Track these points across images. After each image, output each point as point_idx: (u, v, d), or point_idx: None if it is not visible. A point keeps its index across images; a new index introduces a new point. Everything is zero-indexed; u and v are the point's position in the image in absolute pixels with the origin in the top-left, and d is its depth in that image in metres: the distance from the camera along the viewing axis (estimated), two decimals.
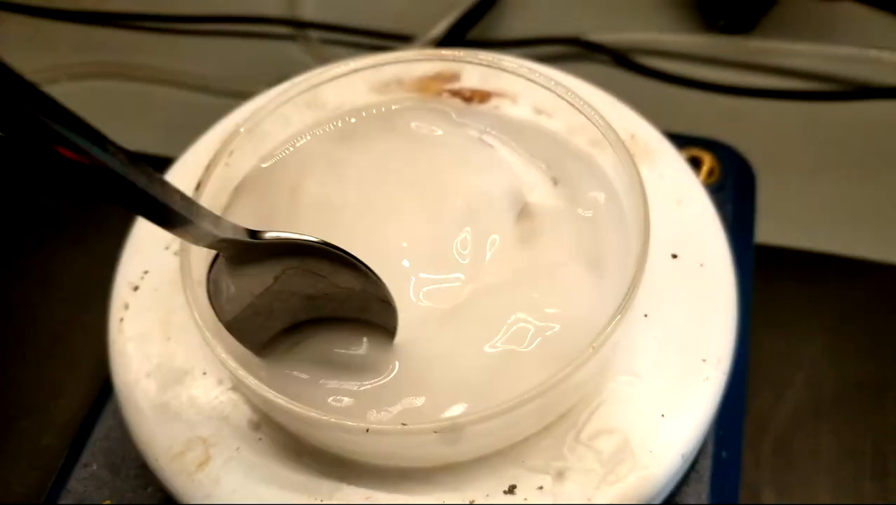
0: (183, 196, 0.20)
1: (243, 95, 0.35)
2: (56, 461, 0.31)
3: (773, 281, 0.41)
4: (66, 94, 0.53)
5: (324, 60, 0.52)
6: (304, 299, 0.24)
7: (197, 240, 0.21)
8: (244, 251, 0.22)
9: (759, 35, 0.51)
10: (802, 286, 0.41)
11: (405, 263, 0.26)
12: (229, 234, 0.21)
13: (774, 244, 0.42)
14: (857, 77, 0.49)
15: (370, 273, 0.23)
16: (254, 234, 0.22)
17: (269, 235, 0.22)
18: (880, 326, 0.40)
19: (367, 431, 0.21)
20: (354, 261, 0.23)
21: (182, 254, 0.24)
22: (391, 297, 0.24)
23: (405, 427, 0.21)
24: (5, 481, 0.37)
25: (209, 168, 0.26)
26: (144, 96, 0.53)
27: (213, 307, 0.22)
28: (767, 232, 0.41)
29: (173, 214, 0.19)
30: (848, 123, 0.48)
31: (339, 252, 0.23)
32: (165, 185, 0.19)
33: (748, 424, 0.37)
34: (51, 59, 0.54)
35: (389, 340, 0.24)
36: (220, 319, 0.23)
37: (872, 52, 0.47)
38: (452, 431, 0.21)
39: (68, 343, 0.41)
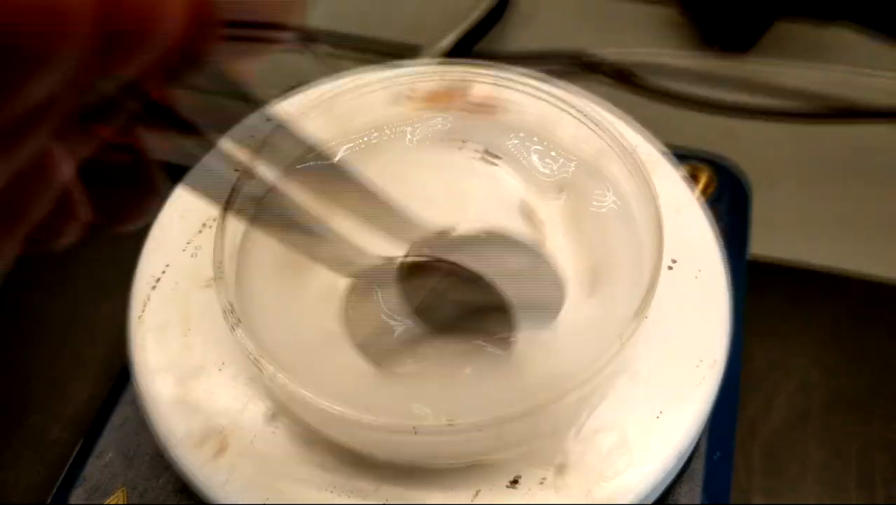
0: None
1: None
2: (64, 454, 0.32)
3: (766, 294, 0.42)
4: None
5: (331, 70, 0.54)
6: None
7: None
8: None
9: (756, 55, 0.53)
10: (795, 299, 0.42)
11: None
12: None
13: (768, 258, 0.43)
14: (849, 98, 0.51)
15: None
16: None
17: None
18: (869, 338, 0.41)
19: (415, 431, 0.22)
20: None
21: (216, 246, 0.25)
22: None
23: (453, 425, 0.22)
24: (13, 474, 0.38)
25: (237, 186, 0.27)
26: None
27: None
28: (761, 246, 0.43)
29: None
30: (840, 143, 0.49)
31: None
32: None
33: (739, 431, 0.38)
34: None
35: None
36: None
37: (865, 75, 0.49)
38: (496, 426, 0.22)
39: (77, 338, 0.42)
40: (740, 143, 0.50)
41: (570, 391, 0.22)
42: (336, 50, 0.56)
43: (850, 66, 0.50)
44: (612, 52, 0.52)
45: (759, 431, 0.39)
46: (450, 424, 0.21)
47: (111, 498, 0.29)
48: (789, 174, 0.49)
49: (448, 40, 0.51)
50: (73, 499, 0.29)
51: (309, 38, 0.56)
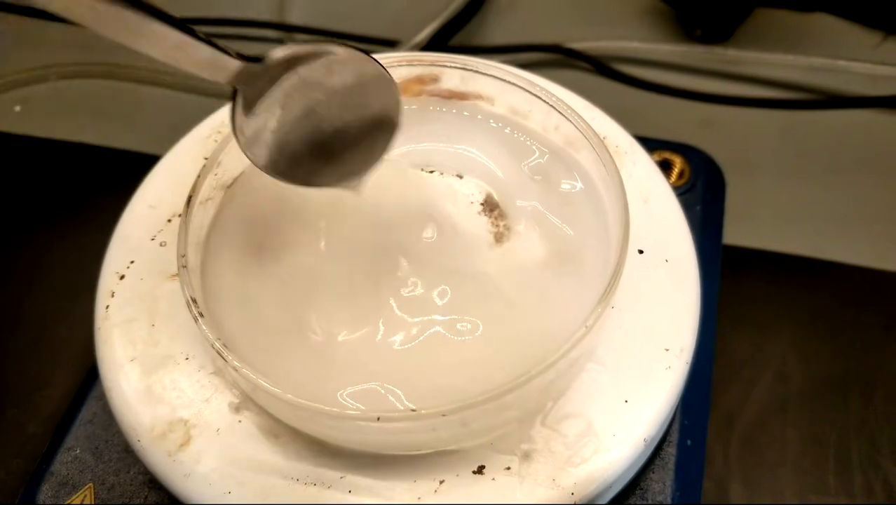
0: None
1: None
2: (41, 449, 0.32)
3: (743, 281, 0.42)
4: (56, 92, 0.54)
5: None
6: (310, 114, 0.25)
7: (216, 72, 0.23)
8: (254, 80, 0.24)
9: (734, 45, 0.53)
10: (771, 287, 0.42)
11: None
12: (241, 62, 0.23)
13: (745, 246, 0.43)
14: (827, 86, 0.51)
15: (361, 52, 0.25)
16: (258, 59, 0.23)
17: (272, 55, 0.24)
18: (845, 324, 0.41)
19: (378, 419, 0.21)
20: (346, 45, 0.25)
21: (180, 238, 0.25)
22: (388, 74, 0.25)
23: (416, 413, 0.21)
24: None
25: (201, 175, 0.27)
26: (133, 96, 0.54)
27: (249, 157, 0.24)
28: (738, 234, 0.43)
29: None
30: (817, 131, 0.49)
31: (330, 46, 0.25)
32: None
33: (717, 419, 0.39)
34: (40, 58, 0.55)
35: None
36: (258, 165, 0.25)
37: (843, 63, 0.49)
38: (460, 413, 0.22)
39: (54, 335, 0.42)
40: (719, 131, 0.50)
41: (532, 379, 0.21)
42: (315, 42, 0.56)
43: (828, 54, 0.50)
44: (590, 43, 0.52)
45: (737, 417, 0.39)
46: (413, 412, 0.21)
47: (79, 493, 0.29)
48: (769, 162, 0.49)
49: (425, 34, 0.51)
50: (41, 494, 0.29)
51: (288, 31, 0.56)
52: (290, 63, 0.24)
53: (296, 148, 0.25)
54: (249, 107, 0.24)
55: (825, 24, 0.55)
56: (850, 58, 0.49)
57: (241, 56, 0.23)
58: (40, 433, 0.38)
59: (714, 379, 0.35)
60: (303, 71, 0.25)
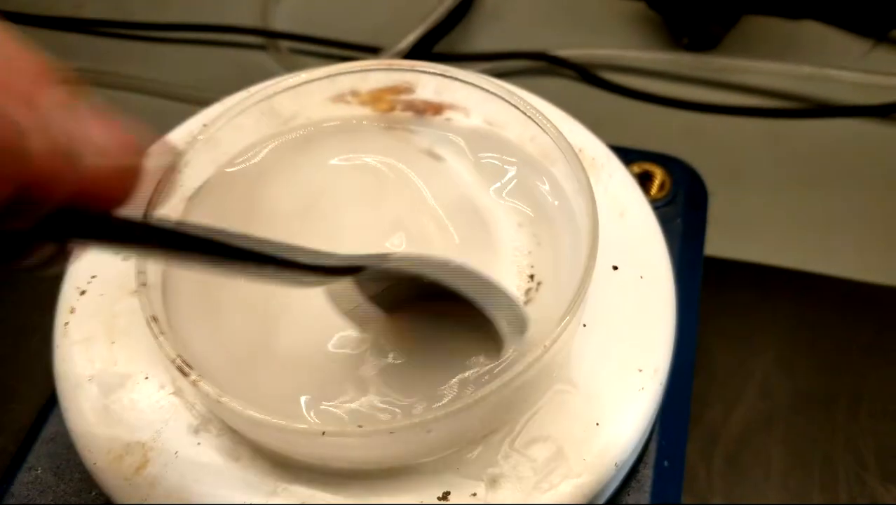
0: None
1: (213, 103, 0.35)
2: (4, 465, 0.31)
3: (726, 294, 0.42)
4: None
5: (292, 70, 0.53)
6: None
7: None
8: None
9: (722, 53, 0.52)
10: (755, 299, 0.42)
11: None
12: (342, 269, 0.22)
13: (729, 258, 0.43)
14: (815, 95, 0.50)
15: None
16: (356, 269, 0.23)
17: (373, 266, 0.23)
18: (830, 338, 0.41)
19: (323, 433, 0.21)
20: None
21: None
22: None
23: (362, 429, 0.21)
24: None
25: (163, 178, 0.26)
26: (116, 103, 0.53)
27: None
28: (722, 246, 0.42)
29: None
30: (805, 141, 0.49)
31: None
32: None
33: (699, 435, 0.38)
34: None
35: None
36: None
37: (830, 71, 0.48)
38: (408, 431, 0.21)
39: (22, 348, 0.41)
40: (706, 140, 0.49)
41: (482, 399, 0.21)
42: (298, 48, 0.55)
43: (816, 62, 0.49)
44: (576, 50, 0.52)
45: (720, 433, 0.38)
46: (359, 427, 0.21)
47: None
48: (755, 172, 0.48)
49: (408, 41, 0.50)
50: None
51: (272, 38, 0.55)
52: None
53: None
54: None
55: (814, 31, 0.54)
56: (838, 66, 0.49)
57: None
58: (8, 449, 0.37)
59: (696, 393, 0.34)
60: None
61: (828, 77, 0.49)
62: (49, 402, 0.31)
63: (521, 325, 0.24)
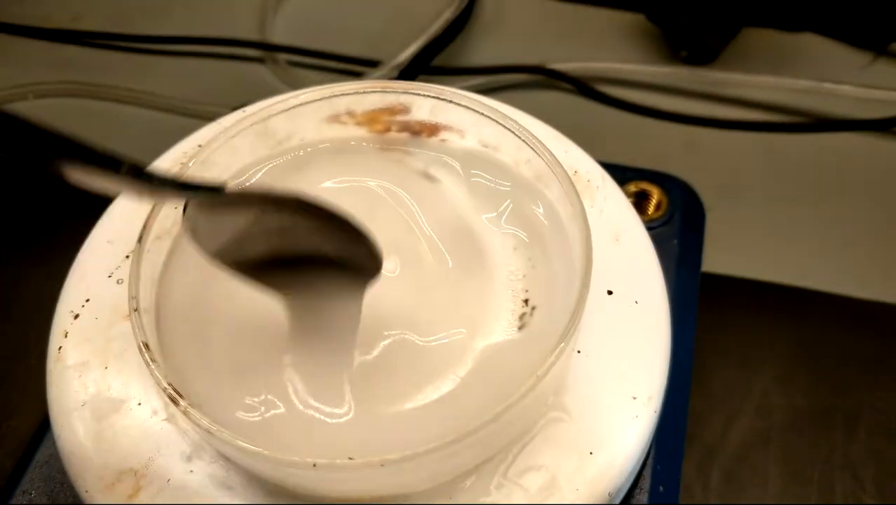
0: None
1: (211, 116, 0.35)
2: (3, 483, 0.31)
3: (725, 311, 0.41)
4: (34, 111, 0.54)
5: (291, 83, 0.53)
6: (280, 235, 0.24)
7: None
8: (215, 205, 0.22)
9: (720, 66, 0.52)
10: (753, 316, 0.42)
11: None
12: (198, 195, 0.22)
13: (728, 274, 0.43)
14: (814, 109, 0.50)
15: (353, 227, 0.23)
16: (220, 189, 0.22)
17: (239, 189, 0.22)
18: (829, 356, 0.40)
19: (314, 466, 0.21)
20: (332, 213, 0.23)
21: (131, 279, 0.24)
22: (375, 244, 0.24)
23: (353, 462, 0.21)
24: None
25: (153, 211, 0.26)
26: (113, 116, 0.54)
27: (196, 244, 0.23)
28: (720, 262, 0.42)
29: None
30: (804, 155, 0.49)
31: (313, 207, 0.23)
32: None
33: (696, 453, 0.38)
34: (20, 76, 0.54)
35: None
36: (206, 252, 0.23)
37: (829, 85, 0.48)
38: (401, 463, 0.21)
39: (23, 366, 0.41)
40: (703, 154, 0.49)
41: (475, 431, 0.21)
42: (297, 61, 0.55)
43: (815, 76, 0.49)
44: (573, 64, 0.52)
45: (718, 452, 0.38)
46: (350, 460, 0.21)
47: None
48: (753, 186, 0.48)
49: (407, 54, 0.50)
50: None
51: (270, 51, 0.55)
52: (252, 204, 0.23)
53: (254, 247, 0.24)
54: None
55: (813, 44, 0.54)
56: (837, 80, 0.49)
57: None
58: (7, 466, 0.37)
59: (694, 410, 0.34)
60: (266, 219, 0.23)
61: (827, 91, 0.49)
62: (43, 424, 0.31)
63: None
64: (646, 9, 0.54)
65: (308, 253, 0.25)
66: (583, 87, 0.51)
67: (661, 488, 0.29)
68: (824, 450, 0.38)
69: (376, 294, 0.27)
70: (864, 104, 0.49)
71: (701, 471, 0.38)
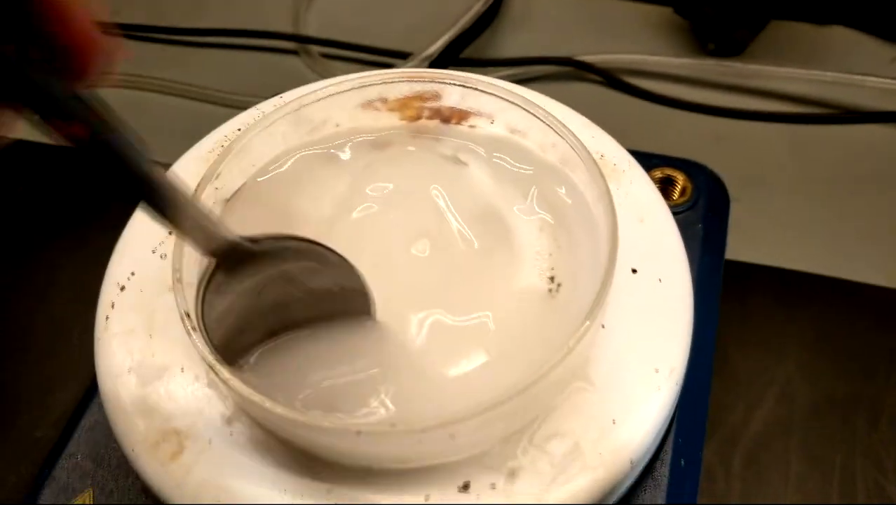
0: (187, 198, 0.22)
1: (246, 107, 0.36)
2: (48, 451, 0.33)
3: (749, 298, 0.42)
4: None
5: (324, 74, 0.54)
6: (278, 309, 0.26)
7: (199, 243, 0.24)
8: (237, 260, 0.24)
9: (748, 58, 0.52)
10: (778, 304, 0.42)
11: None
12: (232, 238, 0.24)
13: (753, 262, 0.43)
14: (841, 101, 0.50)
15: (346, 264, 0.26)
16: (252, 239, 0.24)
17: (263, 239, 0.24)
18: (853, 344, 0.41)
19: (358, 433, 0.22)
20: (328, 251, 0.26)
21: (175, 252, 0.26)
22: (367, 287, 0.26)
23: (395, 428, 0.22)
24: (2, 471, 0.39)
25: (198, 189, 0.27)
26: (152, 106, 0.55)
27: (206, 329, 0.24)
28: (745, 250, 0.42)
29: (177, 209, 0.22)
30: (831, 146, 0.49)
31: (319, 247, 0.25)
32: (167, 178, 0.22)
33: (719, 438, 0.38)
34: None
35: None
36: (211, 341, 0.24)
37: (857, 77, 0.49)
38: (441, 429, 0.22)
39: (65, 340, 0.43)
40: (731, 146, 0.50)
41: (511, 399, 0.22)
42: (329, 53, 0.56)
43: (843, 68, 0.49)
44: (602, 56, 0.52)
45: (740, 437, 0.39)
46: (392, 427, 0.22)
47: (79, 497, 0.29)
48: (781, 177, 0.48)
49: (437, 46, 0.51)
50: (42, 498, 0.30)
51: (303, 43, 0.57)
52: (279, 254, 0.25)
53: (252, 338, 0.26)
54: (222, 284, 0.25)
55: (842, 36, 0.54)
56: (864, 72, 0.49)
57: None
58: (49, 437, 0.39)
59: (717, 397, 0.34)
60: (287, 266, 0.26)
61: (854, 83, 0.49)
62: (89, 392, 0.32)
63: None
64: (674, 1, 0.54)
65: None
66: (611, 78, 0.52)
67: (682, 462, 0.29)
68: (846, 437, 0.38)
69: (407, 276, 0.28)
70: (891, 96, 0.49)
71: (723, 456, 0.38)
